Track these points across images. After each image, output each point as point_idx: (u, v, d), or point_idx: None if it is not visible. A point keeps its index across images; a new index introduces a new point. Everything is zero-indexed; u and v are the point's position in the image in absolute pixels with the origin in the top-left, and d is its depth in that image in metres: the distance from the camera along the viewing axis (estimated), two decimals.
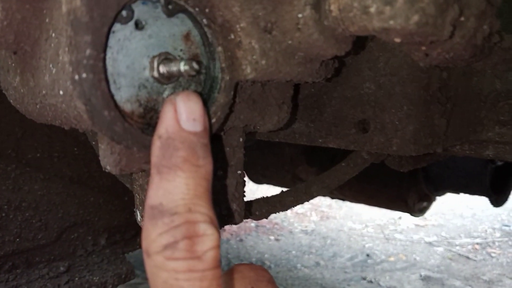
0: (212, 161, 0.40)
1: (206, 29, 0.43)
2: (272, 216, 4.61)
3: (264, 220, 4.50)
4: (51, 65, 0.40)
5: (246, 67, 0.44)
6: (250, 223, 4.42)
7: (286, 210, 0.73)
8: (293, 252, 3.88)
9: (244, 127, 0.52)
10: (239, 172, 0.53)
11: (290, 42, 0.42)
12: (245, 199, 0.60)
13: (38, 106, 0.45)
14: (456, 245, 4.12)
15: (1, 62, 0.50)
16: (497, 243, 4.17)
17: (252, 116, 0.51)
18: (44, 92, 0.42)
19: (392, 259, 3.79)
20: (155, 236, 0.36)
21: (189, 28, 0.43)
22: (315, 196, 0.75)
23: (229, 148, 0.52)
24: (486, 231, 4.47)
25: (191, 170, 0.38)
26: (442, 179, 1.65)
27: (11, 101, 0.52)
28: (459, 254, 3.90)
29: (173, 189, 0.37)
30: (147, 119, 0.41)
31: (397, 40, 0.35)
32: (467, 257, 3.83)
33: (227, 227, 3.98)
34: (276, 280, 3.18)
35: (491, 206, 4.61)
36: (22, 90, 0.47)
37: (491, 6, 0.39)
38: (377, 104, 0.63)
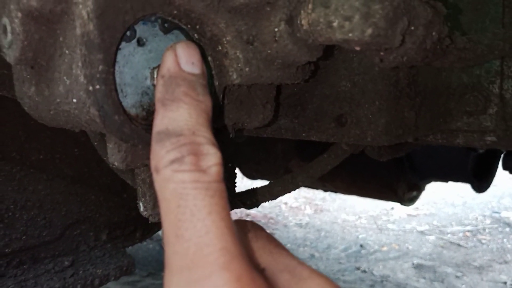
0: (210, 99, 0.44)
1: (198, 42, 0.50)
2: (267, 210, 4.68)
3: (259, 214, 4.56)
4: (65, 77, 0.47)
5: (233, 74, 0.51)
6: (246, 218, 4.46)
7: (275, 198, 0.80)
8: (288, 245, 3.93)
9: (233, 124, 0.59)
10: (229, 164, 0.60)
11: (269, 51, 0.49)
12: (237, 190, 0.67)
13: (52, 112, 0.52)
14: (448, 233, 4.16)
15: (17, 74, 0.56)
16: (487, 230, 4.21)
17: (240, 115, 0.58)
18: (58, 100, 0.49)
19: (385, 248, 3.83)
20: (163, 153, 0.39)
21: None
22: (301, 186, 0.82)
23: (220, 144, 0.59)
24: (476, 218, 4.52)
25: (192, 103, 0.41)
26: (427, 168, 1.71)
27: (26, 108, 0.58)
28: (451, 242, 3.95)
29: (177, 117, 0.40)
30: (149, 120, 0.48)
31: (357, 48, 0.42)
32: (458, 245, 3.89)
33: None
34: None
35: (481, 194, 4.69)
36: (37, 99, 0.53)
37: (438, 15, 0.46)
38: (353, 100, 0.70)
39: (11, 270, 1.06)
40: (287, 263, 0.39)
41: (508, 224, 4.38)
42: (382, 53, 0.45)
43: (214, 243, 0.34)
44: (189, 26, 0.49)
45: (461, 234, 4.17)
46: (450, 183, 1.81)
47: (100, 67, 0.42)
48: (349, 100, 0.70)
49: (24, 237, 1.09)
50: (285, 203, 5.00)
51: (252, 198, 0.79)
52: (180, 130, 0.39)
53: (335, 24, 0.42)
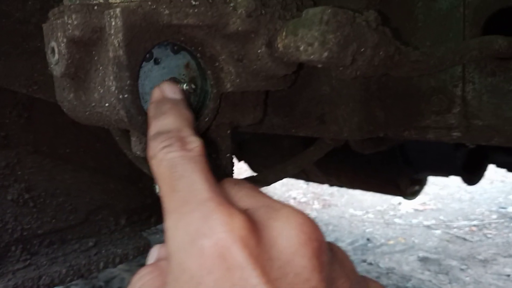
0: (191, 114, 0.53)
1: (200, 60, 0.64)
2: None
3: None
4: (99, 87, 0.61)
5: (227, 84, 0.65)
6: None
7: (269, 185, 0.94)
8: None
9: (230, 123, 0.73)
10: (228, 155, 0.74)
11: (254, 67, 0.63)
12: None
13: (87, 113, 0.66)
14: (454, 228, 4.14)
15: (58, 83, 0.70)
16: (493, 225, 4.18)
17: (235, 115, 0.72)
18: (93, 104, 0.63)
19: (391, 242, 3.84)
20: (156, 144, 0.47)
21: (188, 60, 0.64)
22: (290, 174, 0.95)
23: (219, 138, 0.73)
24: (483, 213, 4.48)
25: (176, 114, 0.51)
26: (420, 162, 1.80)
27: (65, 109, 0.72)
28: (456, 236, 3.94)
29: (165, 122, 0.50)
30: None
31: (319, 65, 0.56)
32: (464, 239, 3.88)
33: None
34: None
35: (489, 189, 4.65)
36: (75, 103, 0.67)
37: (384, 38, 0.59)
38: (332, 102, 0.82)
39: (43, 249, 1.17)
40: (265, 201, 0.45)
41: None
42: (341, 68, 0.59)
43: (199, 187, 0.42)
44: (193, 48, 0.63)
45: (467, 229, 4.12)
46: (458, 178, 1.82)
47: (128, 81, 0.56)
48: (329, 102, 0.83)
49: (53, 220, 1.21)
50: (294, 198, 5.04)
51: None
52: (169, 129, 0.49)
53: (301, 48, 0.56)
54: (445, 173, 1.82)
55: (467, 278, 3.26)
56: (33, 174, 1.19)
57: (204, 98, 0.66)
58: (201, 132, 0.67)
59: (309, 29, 0.54)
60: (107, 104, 0.59)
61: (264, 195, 0.47)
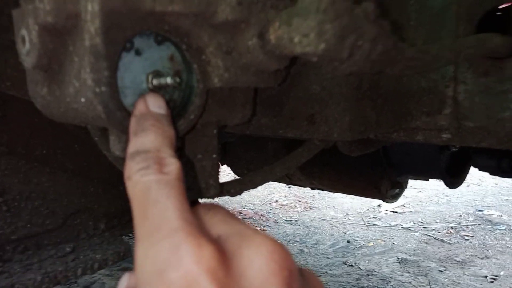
0: (174, 131, 0.52)
1: (185, 52, 0.59)
2: (259, 208, 4.75)
3: (250, 212, 4.64)
4: (74, 80, 0.56)
5: (215, 78, 0.61)
6: (238, 216, 4.53)
7: (256, 187, 0.90)
8: (279, 241, 3.99)
9: (217, 121, 0.69)
10: (214, 155, 0.70)
11: (244, 60, 0.59)
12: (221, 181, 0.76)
13: (61, 110, 0.61)
14: (432, 230, 4.23)
15: (31, 77, 0.64)
16: (470, 227, 4.30)
17: (222, 113, 0.68)
18: (68, 99, 0.58)
19: (371, 244, 3.91)
20: (133, 165, 0.46)
21: (173, 52, 0.59)
22: (279, 176, 0.92)
23: (206, 138, 0.69)
24: (460, 216, 4.59)
25: (158, 132, 0.50)
26: (403, 164, 1.80)
27: (38, 106, 0.67)
28: (435, 238, 4.03)
29: (145, 140, 0.49)
30: None
31: (314, 59, 0.53)
32: (442, 241, 3.97)
33: None
34: None
35: (466, 192, 4.76)
36: (48, 98, 0.62)
37: (383, 32, 0.56)
38: (322, 101, 0.80)
39: (17, 255, 1.13)
40: (238, 228, 0.44)
41: (490, 222, 4.48)
42: (336, 63, 0.55)
43: (172, 215, 0.41)
44: (178, 38, 0.58)
45: (445, 231, 4.23)
46: (435, 182, 1.86)
47: (105, 73, 0.52)
48: (319, 101, 0.80)
49: (28, 225, 1.16)
50: (276, 201, 5.07)
51: (235, 187, 0.89)
52: (148, 149, 0.48)
53: (295, 39, 0.52)
54: (428, 176, 1.83)
55: (446, 280, 3.34)
56: (7, 177, 1.15)
57: (189, 94, 0.61)
58: (186, 131, 0.62)
59: (305, 19, 0.51)
60: (83, 99, 0.55)
61: (238, 221, 0.47)
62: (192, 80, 0.61)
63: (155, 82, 0.57)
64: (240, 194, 0.88)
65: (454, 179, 1.78)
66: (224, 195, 0.88)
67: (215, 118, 0.67)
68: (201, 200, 0.68)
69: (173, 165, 0.46)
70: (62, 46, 0.58)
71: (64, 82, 0.59)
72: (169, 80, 0.57)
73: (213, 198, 0.74)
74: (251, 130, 0.90)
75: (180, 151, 0.64)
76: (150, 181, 0.44)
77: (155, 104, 0.55)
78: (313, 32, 0.51)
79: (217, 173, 0.71)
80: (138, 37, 0.56)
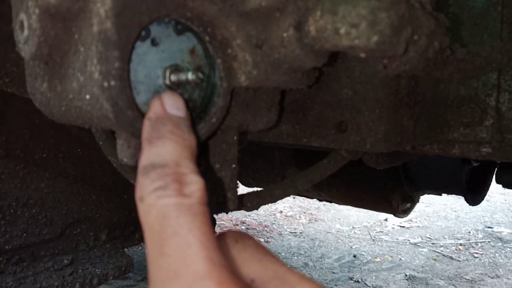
0: (195, 138, 0.45)
1: (208, 45, 0.51)
2: (262, 219, 4.69)
3: (254, 222, 4.57)
4: (78, 74, 0.48)
5: (241, 76, 0.53)
6: (241, 227, 4.47)
7: (275, 201, 0.82)
8: (282, 253, 3.93)
9: (238, 126, 0.60)
10: (233, 165, 0.62)
11: (277, 56, 0.51)
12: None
13: (63, 108, 0.53)
14: (440, 246, 4.17)
15: (30, 70, 0.57)
16: (479, 244, 4.23)
17: (245, 117, 0.60)
18: (71, 96, 0.51)
19: (378, 259, 3.84)
20: (148, 183, 0.39)
21: (194, 44, 0.51)
22: (300, 190, 0.83)
23: (225, 145, 0.61)
24: (469, 232, 4.52)
25: (177, 140, 0.43)
26: (422, 179, 1.73)
27: (36, 104, 0.59)
28: (443, 255, 3.96)
29: (162, 151, 0.41)
30: None
31: (362, 55, 0.45)
32: (451, 258, 3.90)
33: (218, 230, 4.02)
34: None
35: (474, 208, 4.71)
36: (49, 95, 0.55)
37: (440, 26, 0.48)
38: (354, 107, 0.72)
39: (10, 267, 1.07)
40: (276, 270, 0.38)
41: (500, 239, 4.40)
42: (385, 61, 0.47)
43: (196, 255, 0.34)
44: (200, 28, 0.50)
45: (453, 248, 4.18)
46: (444, 196, 1.82)
47: (116, 64, 0.44)
48: (350, 107, 0.72)
49: (24, 234, 1.11)
50: (280, 212, 5.01)
51: (252, 201, 0.81)
52: (165, 162, 0.40)
53: (342, 31, 0.44)
54: (448, 192, 1.76)
55: None
56: (4, 181, 1.09)
57: (211, 93, 0.53)
58: (206, 136, 0.54)
59: (354, 6, 0.43)
60: (88, 96, 0.47)
61: (273, 258, 0.40)
62: (215, 78, 0.53)
63: (173, 78, 0.49)
64: (257, 208, 0.80)
65: (475, 195, 1.71)
66: (239, 209, 0.80)
67: (237, 123, 0.59)
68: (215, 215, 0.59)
69: (196, 184, 0.39)
70: (65, 33, 0.51)
71: (66, 76, 0.52)
72: (190, 76, 0.49)
73: (230, 211, 0.65)
74: (270, 138, 0.82)
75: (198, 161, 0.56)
76: (168, 205, 0.37)
77: (173, 105, 0.46)
78: (364, 21, 0.43)
79: (235, 185, 0.63)
80: (155, 25, 0.49)
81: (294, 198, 5.20)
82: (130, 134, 0.48)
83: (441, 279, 3.51)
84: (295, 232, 4.47)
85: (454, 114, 0.82)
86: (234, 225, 4.38)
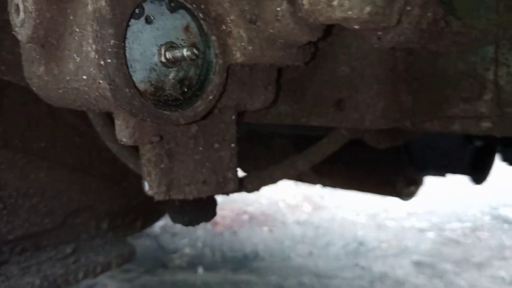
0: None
1: (202, 22, 0.52)
2: (265, 208, 4.68)
3: (257, 212, 4.56)
4: (75, 55, 0.48)
5: (236, 53, 0.53)
6: (243, 216, 4.46)
7: (275, 183, 0.81)
8: (287, 242, 3.91)
9: (236, 106, 0.60)
10: (232, 145, 0.62)
11: (271, 31, 0.50)
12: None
13: (60, 91, 0.54)
14: (446, 230, 4.15)
15: (26, 54, 0.58)
16: (486, 227, 4.21)
17: (242, 96, 0.60)
18: (68, 78, 0.51)
19: (384, 245, 3.81)
20: None
21: (188, 21, 0.51)
22: (301, 170, 0.83)
23: (223, 125, 0.61)
24: (475, 215, 4.51)
25: None
26: (425, 160, 1.72)
27: (34, 88, 0.59)
28: (449, 239, 3.95)
29: None
30: (157, 96, 0.50)
31: (356, 27, 0.44)
32: (457, 241, 3.88)
33: (220, 220, 4.00)
34: (271, 270, 3.24)
35: (480, 191, 4.67)
36: (46, 78, 0.55)
37: None
38: (351, 85, 0.71)
39: (14, 257, 1.08)
40: None
41: (506, 221, 4.39)
42: (379, 33, 0.47)
43: None
44: (194, 5, 0.51)
45: (460, 231, 4.15)
46: (448, 178, 1.81)
47: (112, 42, 0.44)
48: (348, 84, 0.71)
49: (26, 224, 1.11)
50: (283, 200, 4.99)
51: (253, 182, 0.81)
52: None
53: (335, 2, 0.43)
54: (452, 172, 1.75)
55: (462, 282, 3.27)
56: (3, 172, 1.09)
57: (207, 71, 0.53)
58: (203, 114, 0.54)
59: None
60: (84, 77, 0.47)
61: None
62: (210, 55, 0.53)
63: (168, 55, 0.50)
64: (258, 190, 0.80)
65: (479, 175, 1.70)
66: (240, 191, 0.79)
67: (234, 102, 0.59)
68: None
69: None
70: (61, 15, 0.51)
71: (63, 58, 0.52)
72: (185, 52, 0.49)
73: (231, 192, 0.65)
74: (269, 119, 0.82)
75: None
76: None
77: None
78: None
79: (235, 165, 0.63)
80: (149, 2, 0.49)
81: (297, 186, 5.19)
82: (128, 112, 0.48)
83: (448, 262, 3.49)
84: (298, 221, 4.45)
85: (453, 89, 0.81)
86: (236, 215, 4.37)
